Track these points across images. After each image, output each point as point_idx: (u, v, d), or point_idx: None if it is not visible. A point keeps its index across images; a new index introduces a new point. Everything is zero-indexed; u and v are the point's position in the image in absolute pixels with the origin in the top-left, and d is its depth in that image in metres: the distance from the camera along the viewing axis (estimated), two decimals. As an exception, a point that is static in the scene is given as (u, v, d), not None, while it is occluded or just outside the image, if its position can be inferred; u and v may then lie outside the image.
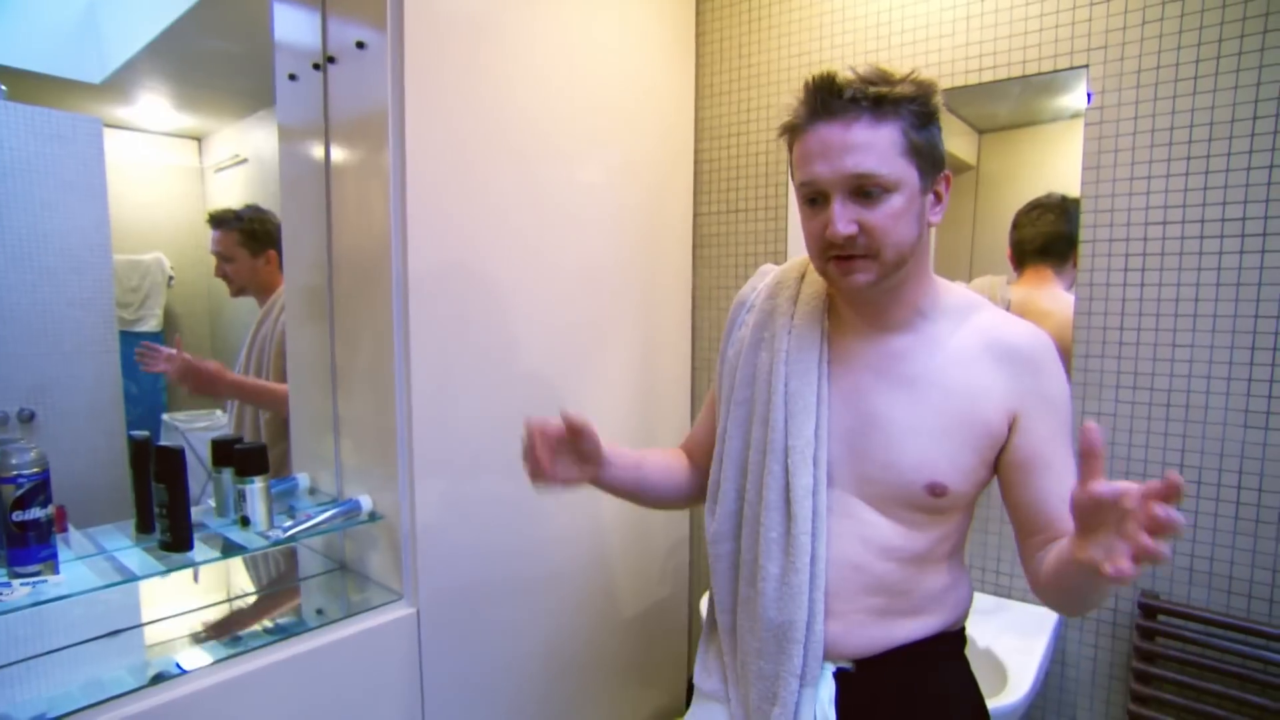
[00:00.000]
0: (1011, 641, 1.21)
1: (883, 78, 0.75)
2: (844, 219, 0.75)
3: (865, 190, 0.75)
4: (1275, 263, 1.10)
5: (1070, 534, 0.71)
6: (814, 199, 0.78)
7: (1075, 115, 1.24)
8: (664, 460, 1.03)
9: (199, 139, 2.24)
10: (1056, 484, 0.80)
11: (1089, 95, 1.22)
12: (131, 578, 0.97)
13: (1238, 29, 1.10)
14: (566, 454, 0.89)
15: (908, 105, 0.75)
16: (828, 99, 0.75)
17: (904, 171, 0.75)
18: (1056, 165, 1.27)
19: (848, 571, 0.84)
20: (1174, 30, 1.15)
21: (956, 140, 1.34)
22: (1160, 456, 1.21)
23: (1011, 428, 0.81)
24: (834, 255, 0.78)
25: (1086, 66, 1.22)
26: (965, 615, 0.92)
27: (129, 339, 2.06)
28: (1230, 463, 1.15)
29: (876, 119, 0.74)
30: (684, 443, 1.08)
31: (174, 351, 1.55)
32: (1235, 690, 1.14)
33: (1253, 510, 1.14)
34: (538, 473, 0.86)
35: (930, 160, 0.78)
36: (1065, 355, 1.24)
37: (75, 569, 0.96)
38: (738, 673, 0.91)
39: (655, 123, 1.61)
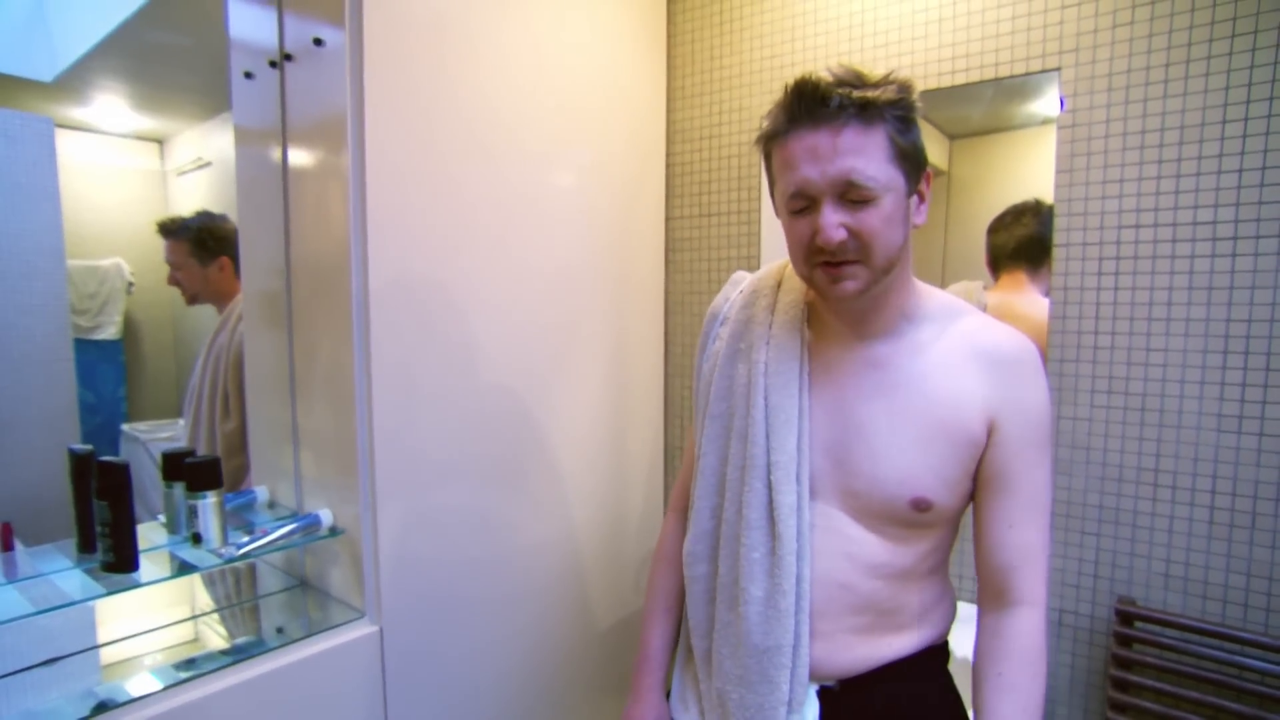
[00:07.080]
0: (989, 650, 1.19)
1: (863, 80, 0.73)
2: (833, 224, 0.73)
3: (855, 196, 0.73)
4: (1245, 266, 1.10)
5: (1007, 573, 0.80)
6: (801, 205, 0.76)
7: (1046, 121, 1.24)
8: (676, 584, 1.00)
9: (160, 141, 2.16)
10: (1011, 510, 0.80)
11: (1061, 100, 1.21)
12: (67, 603, 0.91)
13: (1206, 33, 1.10)
14: None
15: (891, 110, 0.73)
16: (812, 106, 0.72)
17: (892, 176, 0.74)
18: (1028, 171, 1.26)
19: (834, 591, 0.81)
20: (1144, 34, 1.15)
21: (928, 146, 1.32)
22: (1136, 461, 1.20)
23: (989, 436, 0.79)
24: (822, 262, 0.76)
25: (1059, 70, 1.21)
26: (950, 628, 0.89)
27: (86, 347, 1.99)
28: (1204, 467, 1.15)
29: (865, 124, 0.72)
30: (674, 498, 1.04)
31: None
32: (1211, 696, 1.13)
33: (1226, 514, 1.14)
34: None
35: (915, 162, 0.76)
36: (1042, 359, 1.24)
37: (6, 594, 0.91)
38: (713, 701, 0.87)
39: (626, 125, 1.59)
